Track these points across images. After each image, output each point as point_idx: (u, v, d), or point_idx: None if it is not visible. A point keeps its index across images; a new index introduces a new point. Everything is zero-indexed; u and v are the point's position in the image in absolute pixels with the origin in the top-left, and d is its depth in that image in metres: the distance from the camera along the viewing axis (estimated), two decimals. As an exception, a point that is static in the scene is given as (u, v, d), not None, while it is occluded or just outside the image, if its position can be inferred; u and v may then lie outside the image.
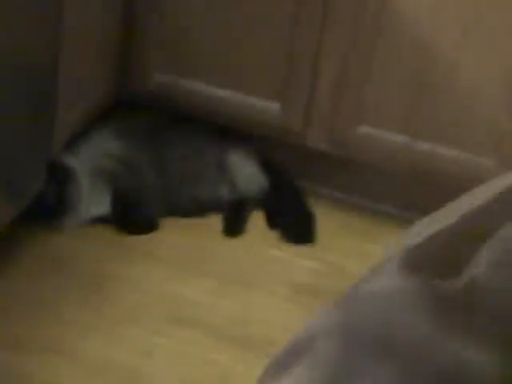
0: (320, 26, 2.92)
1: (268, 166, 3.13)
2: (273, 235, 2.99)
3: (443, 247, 1.29)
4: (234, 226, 2.99)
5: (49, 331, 2.57)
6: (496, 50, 2.81)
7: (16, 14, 2.47)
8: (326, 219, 3.08)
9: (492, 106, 2.86)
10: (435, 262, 1.27)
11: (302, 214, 3.08)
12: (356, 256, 2.96)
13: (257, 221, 3.04)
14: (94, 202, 2.93)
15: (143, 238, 2.91)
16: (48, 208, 2.86)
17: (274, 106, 3.03)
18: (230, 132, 3.12)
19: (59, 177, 2.87)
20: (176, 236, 2.94)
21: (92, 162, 2.97)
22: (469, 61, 2.85)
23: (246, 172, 3.11)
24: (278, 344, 2.48)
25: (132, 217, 2.96)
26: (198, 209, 3.03)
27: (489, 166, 2.91)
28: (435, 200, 2.91)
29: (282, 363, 1.33)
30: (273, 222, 3.04)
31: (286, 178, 3.14)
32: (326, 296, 2.79)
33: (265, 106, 3.04)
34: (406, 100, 2.94)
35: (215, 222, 3.01)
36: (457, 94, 2.88)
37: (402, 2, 2.84)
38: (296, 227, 3.04)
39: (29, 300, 2.65)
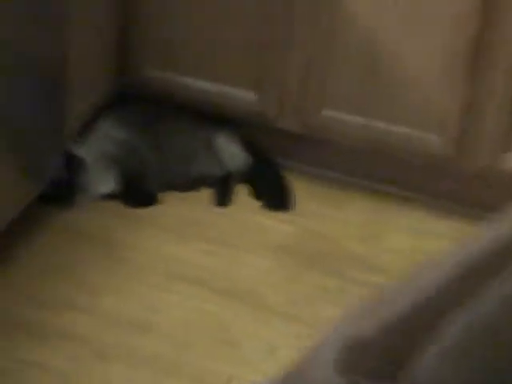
0: (288, 27, 2.94)
1: (249, 146, 3.16)
2: (256, 204, 3.03)
3: (386, 343, 1.08)
4: (222, 198, 3.04)
5: (67, 290, 2.61)
6: (433, 40, 2.83)
7: (28, 13, 2.47)
8: (300, 190, 3.09)
9: (435, 89, 2.88)
10: (374, 362, 1.07)
11: (279, 185, 3.12)
12: (325, 220, 2.98)
13: (242, 193, 3.07)
14: (103, 181, 2.97)
15: (146, 210, 2.96)
16: (61, 193, 2.88)
17: (251, 96, 3.05)
18: (216, 118, 3.14)
19: (71, 167, 2.89)
20: (174, 207, 2.98)
21: (99, 148, 3.00)
22: (411, 51, 2.86)
23: (231, 151, 3.14)
24: (261, 295, 2.64)
25: (135, 192, 3.01)
26: (191, 184, 3.07)
27: (434, 140, 2.93)
28: (389, 170, 3.07)
29: None
30: (255, 193, 3.08)
31: (264, 155, 3.17)
32: (300, 254, 2.85)
33: (244, 96, 3.06)
34: (361, 86, 2.95)
35: (206, 194, 3.04)
36: (404, 80, 2.90)
37: (351, 7, 2.87)
38: (275, 197, 3.08)
39: (50, 265, 2.70)
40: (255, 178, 3.14)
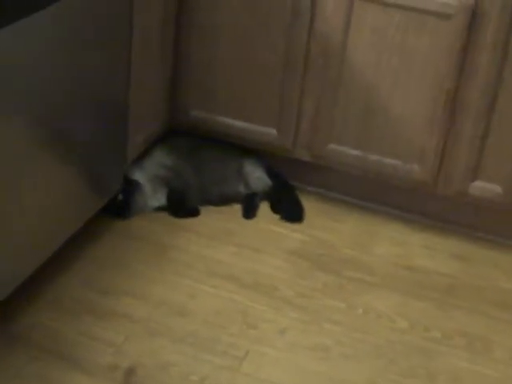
0: (301, 78, 2.93)
1: (270, 171, 3.14)
2: (274, 217, 3.02)
3: None
4: (249, 212, 3.02)
5: (125, 280, 2.62)
6: (418, 92, 2.83)
7: (97, 57, 2.47)
8: (309, 206, 3.08)
9: (418, 129, 2.87)
10: None
11: (294, 202, 3.09)
12: (328, 230, 2.98)
13: (264, 208, 3.06)
14: (155, 198, 2.96)
15: (188, 220, 2.95)
16: (119, 209, 2.88)
17: (273, 132, 3.05)
18: (244, 149, 3.14)
19: (129, 188, 2.89)
20: (210, 219, 2.97)
21: (152, 171, 2.99)
22: (400, 99, 2.86)
23: (256, 175, 3.11)
24: (276, 288, 2.65)
25: (180, 207, 2.98)
26: (224, 201, 3.05)
27: (416, 169, 2.91)
28: (379, 192, 3.06)
29: None
30: (274, 208, 3.06)
31: (282, 179, 3.15)
32: (307, 257, 2.84)
33: (267, 132, 3.06)
34: (359, 126, 2.94)
35: (236, 209, 3.04)
36: (394, 122, 2.89)
37: (354, 61, 2.86)
38: (290, 211, 3.06)
39: (112, 261, 2.70)
40: (275, 196, 3.11)
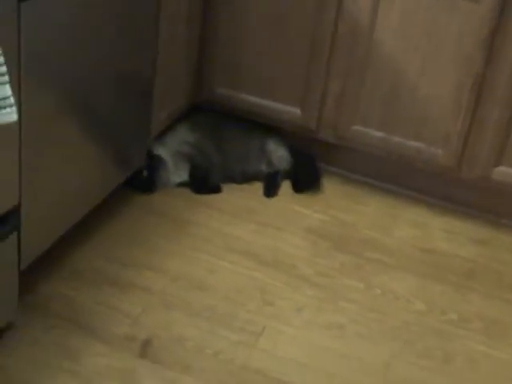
0: (327, 58, 2.93)
1: (293, 150, 3.14)
2: (296, 196, 3.02)
3: None
4: (270, 190, 3.03)
5: (144, 254, 2.63)
6: (445, 74, 2.82)
7: (123, 32, 2.46)
8: (331, 187, 3.09)
9: (443, 113, 2.87)
10: None
11: (311, 172, 3.11)
12: (349, 211, 2.99)
13: (285, 187, 3.07)
14: (177, 174, 2.98)
15: (210, 196, 2.96)
16: (144, 184, 2.90)
17: (297, 112, 3.05)
18: (267, 128, 3.14)
19: (155, 163, 2.91)
20: (232, 196, 2.98)
21: (175, 148, 3.00)
22: (426, 82, 2.85)
23: (279, 154, 3.12)
24: (295, 266, 2.66)
25: (202, 183, 2.99)
26: (246, 178, 3.06)
27: (440, 153, 2.91)
28: (402, 175, 3.06)
29: None
30: (296, 187, 3.07)
31: (306, 157, 3.14)
32: (327, 237, 2.85)
33: (291, 111, 3.05)
34: (384, 108, 2.94)
35: (258, 187, 3.04)
36: (419, 105, 2.88)
37: (382, 43, 2.85)
38: (305, 180, 3.08)
39: (132, 235, 2.71)
40: (297, 175, 3.11)
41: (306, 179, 3.10)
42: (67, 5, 2.17)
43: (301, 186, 3.07)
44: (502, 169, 2.91)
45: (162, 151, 2.98)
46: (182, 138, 3.06)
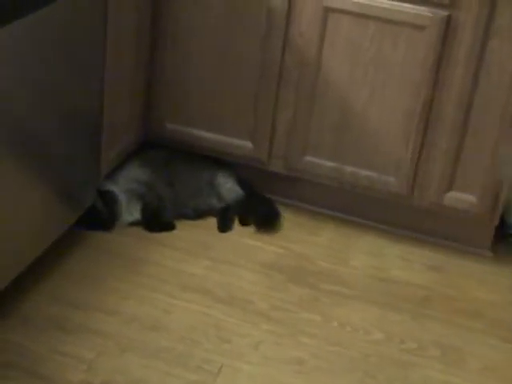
0: (275, 90, 2.92)
1: (242, 182, 3.12)
2: (251, 230, 2.99)
3: None
4: (223, 225, 2.99)
5: (98, 295, 2.59)
6: (393, 103, 2.83)
7: (69, 69, 2.45)
8: (286, 219, 3.06)
9: (393, 141, 2.87)
10: None
11: (267, 207, 3.08)
12: (303, 243, 2.97)
13: (239, 221, 3.02)
14: (129, 212, 2.94)
15: (163, 234, 2.92)
16: (102, 221, 2.88)
17: (248, 144, 3.04)
18: (218, 162, 3.13)
19: (108, 199, 2.88)
20: (185, 232, 2.94)
21: (126, 186, 2.97)
22: (375, 111, 2.86)
23: (228, 186, 3.09)
24: (250, 301, 2.62)
25: (155, 221, 2.95)
26: (199, 214, 3.02)
27: (392, 181, 2.92)
28: (355, 204, 3.05)
29: None
30: (244, 220, 3.03)
31: (254, 190, 3.13)
32: (282, 270, 2.81)
33: (242, 145, 3.05)
34: (335, 138, 2.94)
35: (213, 222, 3.01)
36: (369, 134, 2.89)
37: (329, 73, 2.85)
38: (264, 216, 3.04)
39: (85, 275, 2.66)
40: (247, 207, 3.08)
41: (264, 216, 3.06)
42: (11, 43, 2.14)
43: (261, 223, 3.03)
44: (453, 194, 2.92)
45: (113, 188, 2.94)
46: (133, 175, 3.03)
